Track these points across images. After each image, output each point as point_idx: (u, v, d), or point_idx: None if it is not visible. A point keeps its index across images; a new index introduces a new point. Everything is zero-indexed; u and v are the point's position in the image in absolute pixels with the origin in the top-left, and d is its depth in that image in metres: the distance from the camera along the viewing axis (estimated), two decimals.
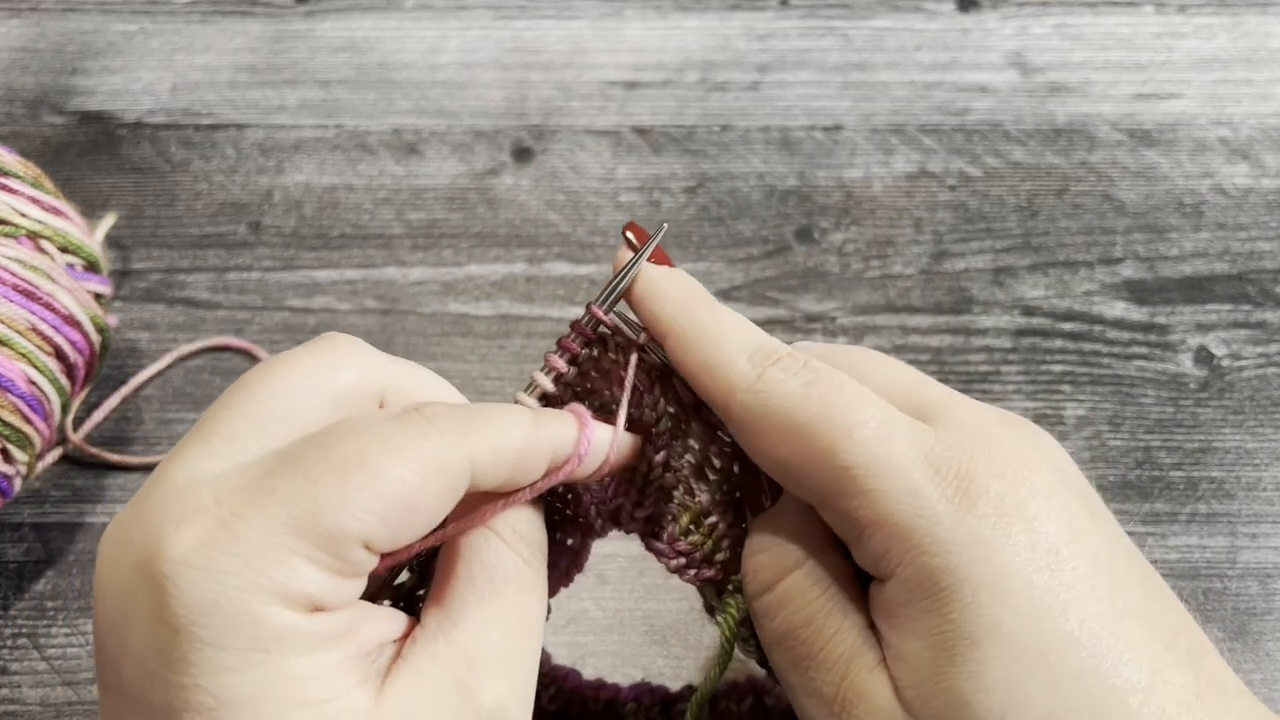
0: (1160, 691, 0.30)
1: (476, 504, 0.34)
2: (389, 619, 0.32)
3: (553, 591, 0.38)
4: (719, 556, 0.38)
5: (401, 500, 0.30)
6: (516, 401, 0.38)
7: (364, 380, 0.34)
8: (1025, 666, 0.29)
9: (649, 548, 0.39)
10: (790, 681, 0.35)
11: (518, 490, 0.34)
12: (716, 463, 0.38)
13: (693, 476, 0.38)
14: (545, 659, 0.40)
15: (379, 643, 0.31)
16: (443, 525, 0.34)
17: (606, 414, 0.38)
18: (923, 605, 0.31)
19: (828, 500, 0.33)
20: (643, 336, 0.38)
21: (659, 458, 0.38)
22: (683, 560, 0.38)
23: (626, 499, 0.39)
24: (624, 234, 0.39)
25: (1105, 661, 0.30)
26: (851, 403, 0.33)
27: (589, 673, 0.47)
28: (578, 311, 0.72)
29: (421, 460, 0.30)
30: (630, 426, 0.38)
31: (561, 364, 0.38)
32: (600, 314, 0.38)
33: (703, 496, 0.38)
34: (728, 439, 0.38)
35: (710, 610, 0.39)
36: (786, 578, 0.35)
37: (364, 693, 0.30)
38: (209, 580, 0.28)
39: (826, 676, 0.33)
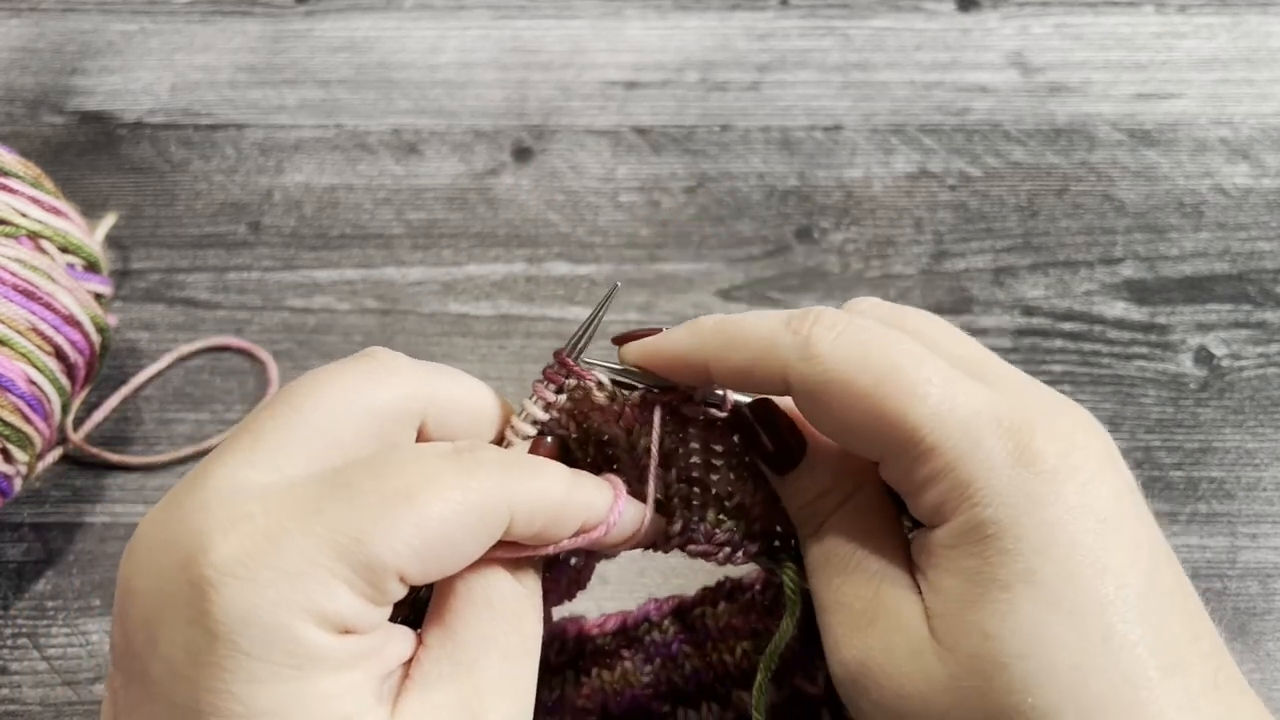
0: (1184, 672, 0.31)
1: (504, 549, 0.35)
2: (405, 640, 0.33)
3: (550, 607, 0.39)
4: (756, 526, 0.39)
5: (442, 539, 0.31)
6: (511, 427, 0.38)
7: (406, 398, 0.35)
8: (1056, 617, 0.30)
9: (692, 555, 0.39)
10: (821, 601, 0.36)
11: (543, 545, 0.35)
12: (718, 448, 0.39)
13: (705, 472, 0.38)
14: (548, 618, 0.41)
15: (398, 663, 0.32)
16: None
17: (605, 449, 0.39)
18: (965, 549, 0.32)
19: (891, 456, 0.34)
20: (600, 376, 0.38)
21: (671, 476, 0.38)
22: (729, 549, 0.38)
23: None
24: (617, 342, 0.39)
25: (1135, 630, 0.31)
26: (914, 362, 0.34)
27: None
28: (577, 311, 0.72)
29: (466, 503, 0.31)
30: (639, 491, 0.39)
31: (549, 394, 0.38)
32: (574, 368, 0.38)
33: (715, 483, 0.38)
34: (721, 415, 0.38)
35: (769, 572, 0.40)
36: (839, 509, 0.36)
37: (383, 711, 0.30)
38: (251, 591, 0.28)
39: (861, 590, 0.35)
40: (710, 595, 0.44)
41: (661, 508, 0.39)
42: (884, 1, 0.90)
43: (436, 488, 0.31)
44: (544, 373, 0.39)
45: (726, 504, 0.38)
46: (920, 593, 0.34)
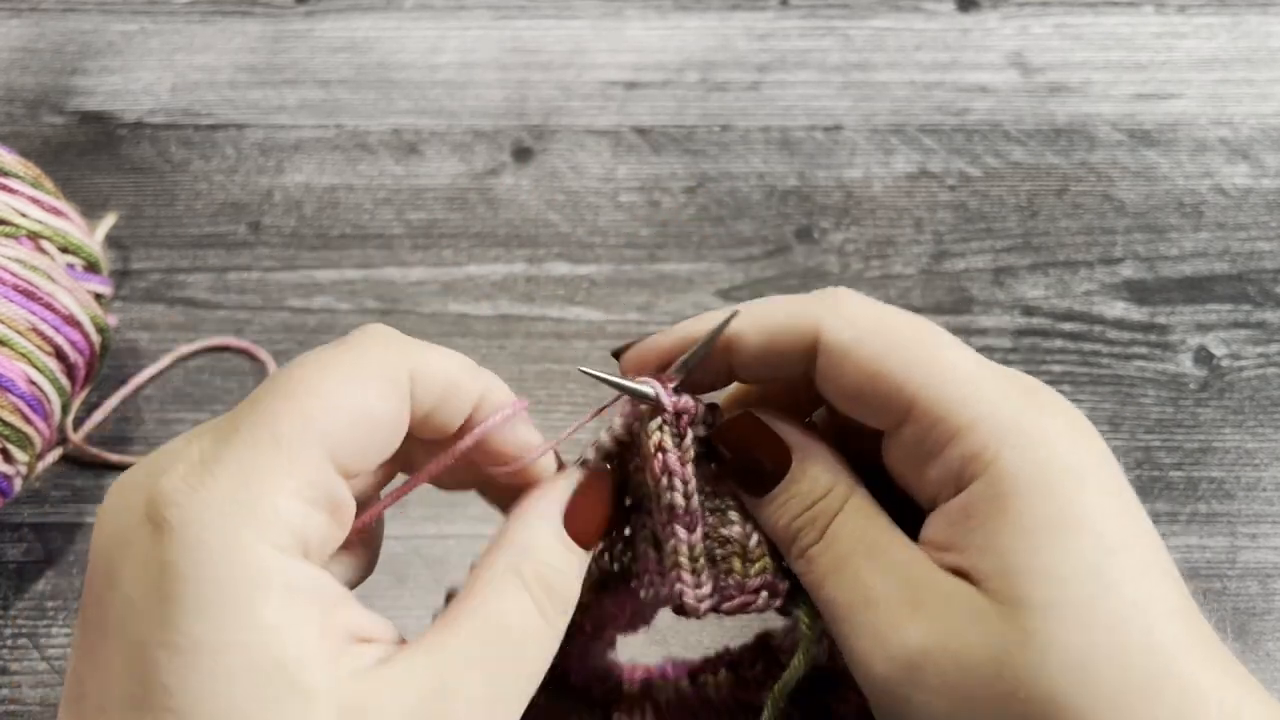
0: (1202, 628, 0.32)
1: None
2: (369, 616, 0.32)
3: (610, 640, 0.38)
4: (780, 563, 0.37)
5: (353, 407, 0.31)
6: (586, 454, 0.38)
7: (389, 363, 0.34)
8: (1115, 559, 0.31)
9: (729, 612, 0.37)
10: (847, 603, 0.34)
11: (455, 443, 0.35)
12: (732, 501, 0.38)
13: (720, 525, 0.37)
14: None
15: (359, 631, 0.31)
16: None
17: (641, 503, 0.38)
18: (1012, 499, 0.32)
19: (918, 411, 0.34)
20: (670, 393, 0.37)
21: (696, 536, 0.37)
22: (765, 593, 0.37)
23: (690, 590, 0.37)
24: (615, 356, 0.39)
25: (1172, 571, 0.32)
26: (933, 331, 0.35)
27: None
28: (578, 311, 0.72)
29: (362, 367, 0.32)
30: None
31: (621, 429, 0.38)
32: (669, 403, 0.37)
33: (734, 530, 0.37)
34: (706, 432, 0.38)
35: (783, 611, 0.39)
36: (834, 519, 0.36)
37: (331, 670, 0.29)
38: (196, 515, 0.29)
39: (892, 580, 0.34)
40: (712, 664, 0.44)
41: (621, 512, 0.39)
42: (884, 1, 0.90)
43: (332, 368, 0.32)
44: (636, 402, 0.37)
45: (747, 548, 0.37)
46: (954, 566, 0.33)
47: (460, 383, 0.35)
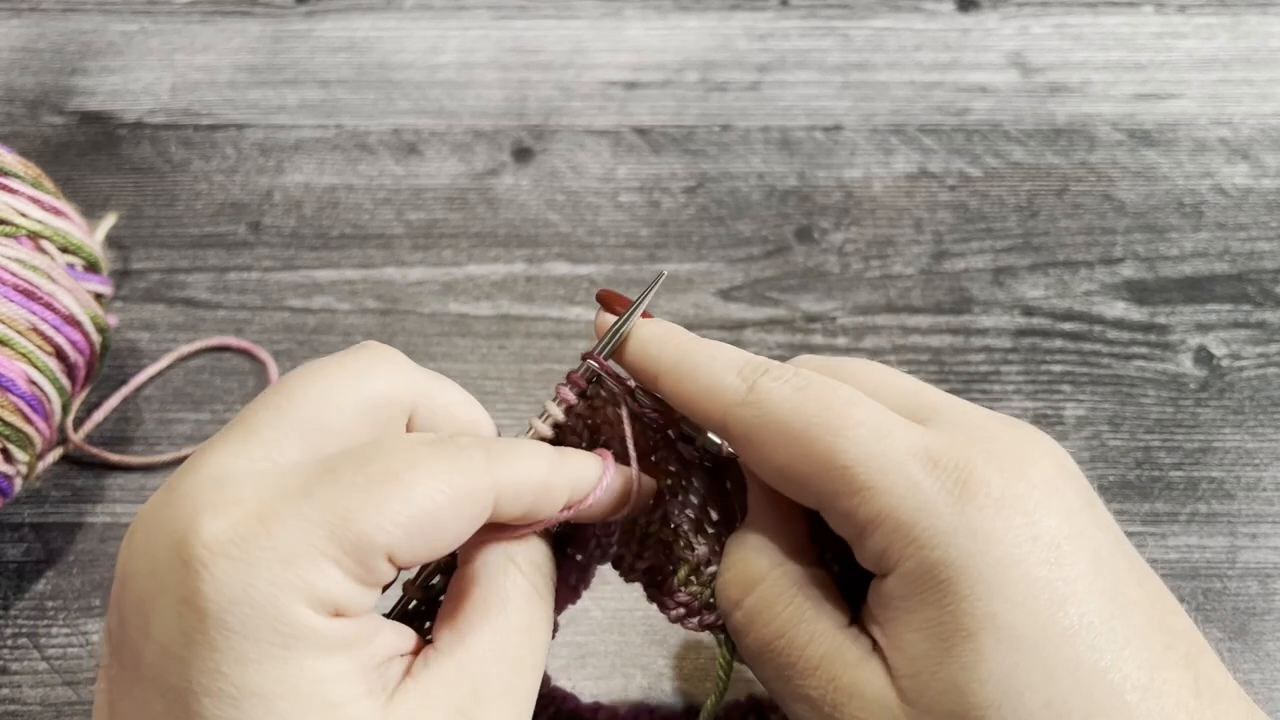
0: (1159, 689, 0.30)
1: (494, 531, 0.35)
2: (396, 633, 0.33)
3: (560, 608, 0.39)
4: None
5: (428, 517, 0.31)
6: (530, 427, 0.39)
7: (397, 390, 0.35)
8: (1021, 657, 0.30)
9: (650, 598, 0.40)
10: (778, 691, 0.36)
11: (534, 523, 0.35)
12: (714, 515, 0.39)
13: (692, 531, 0.38)
14: (545, 680, 0.41)
15: (388, 655, 0.32)
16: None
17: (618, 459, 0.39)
18: (921, 598, 0.31)
19: (828, 501, 0.34)
20: (632, 383, 0.39)
21: (658, 514, 0.39)
22: (683, 610, 0.38)
23: (627, 550, 0.40)
24: (598, 299, 0.40)
25: (1104, 656, 0.30)
26: (845, 404, 0.34)
27: (589, 672, 0.47)
28: (578, 311, 0.72)
29: (450, 482, 0.31)
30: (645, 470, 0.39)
31: (571, 396, 0.38)
32: (600, 362, 0.39)
33: (701, 549, 0.38)
34: (726, 488, 0.39)
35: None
36: (752, 593, 0.36)
37: (372, 703, 0.30)
38: (242, 571, 0.28)
39: (811, 681, 0.34)
40: (684, 715, 0.46)
41: (649, 471, 0.39)
42: (884, 1, 0.90)
43: (421, 469, 0.31)
44: (568, 376, 0.39)
45: (702, 570, 0.38)
46: (877, 649, 0.33)
47: (548, 484, 0.35)
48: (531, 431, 0.38)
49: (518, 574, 0.35)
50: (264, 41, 0.87)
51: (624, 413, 0.38)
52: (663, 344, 0.38)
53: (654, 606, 0.40)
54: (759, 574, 0.36)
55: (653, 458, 0.39)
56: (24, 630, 0.59)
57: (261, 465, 0.31)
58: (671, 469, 0.39)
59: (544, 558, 0.36)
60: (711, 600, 0.38)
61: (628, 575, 0.40)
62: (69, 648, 0.59)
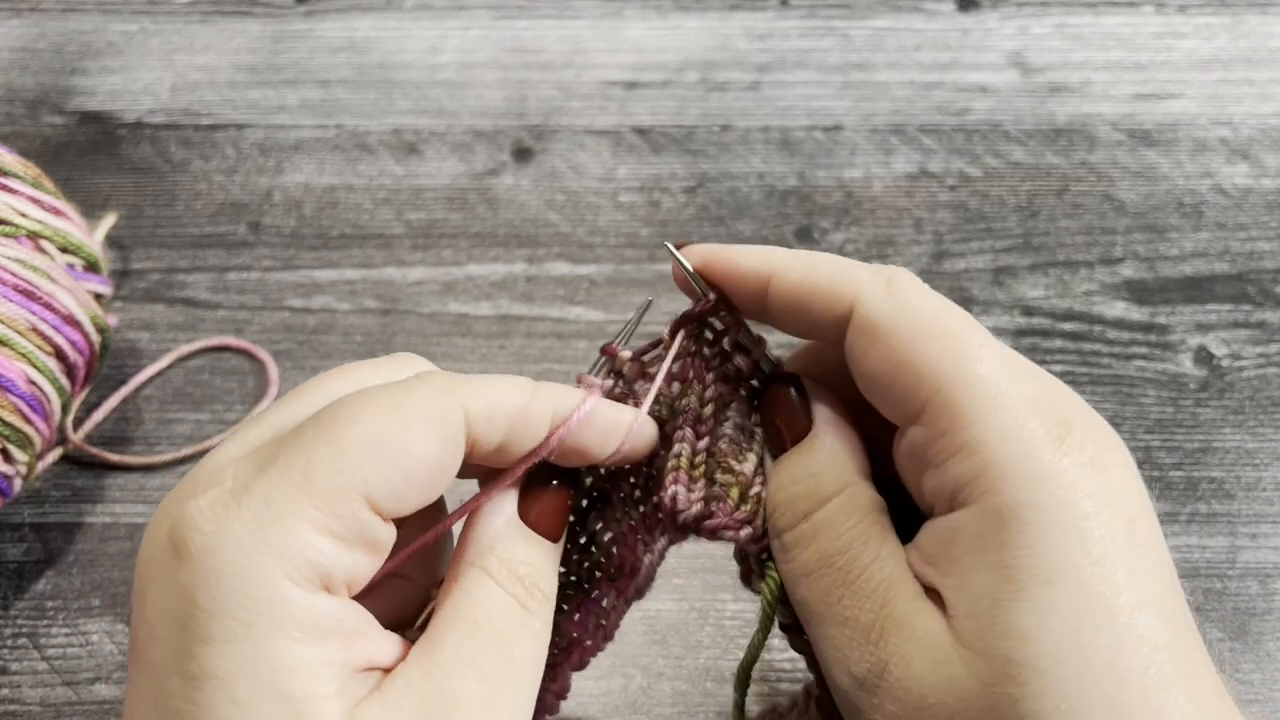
0: (1200, 679, 0.30)
1: (482, 497, 0.35)
2: (389, 642, 0.32)
3: (580, 663, 0.37)
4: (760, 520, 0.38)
5: (392, 447, 0.30)
6: (578, 380, 0.38)
7: (439, 405, 0.34)
8: (1094, 616, 0.29)
9: (709, 531, 0.38)
10: (818, 612, 0.34)
11: (521, 461, 0.34)
12: (756, 433, 0.38)
13: (731, 455, 0.38)
14: (547, 705, 0.39)
15: (371, 662, 0.31)
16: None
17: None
18: (999, 537, 0.31)
19: (930, 416, 0.33)
20: (711, 299, 0.38)
21: (703, 444, 0.38)
22: (749, 528, 0.37)
23: (683, 490, 0.38)
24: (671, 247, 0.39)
25: (1163, 634, 0.30)
26: (978, 329, 0.33)
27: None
28: (578, 311, 0.72)
29: (410, 409, 0.31)
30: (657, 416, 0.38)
31: (625, 353, 0.39)
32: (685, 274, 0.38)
33: (745, 467, 0.38)
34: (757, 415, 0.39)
35: (746, 579, 0.39)
36: (822, 507, 0.35)
37: (338, 705, 0.29)
38: (217, 545, 0.29)
39: (864, 603, 0.33)
40: None
41: (662, 429, 0.39)
42: (884, 1, 0.90)
43: (376, 405, 0.31)
44: (580, 377, 0.38)
45: (749, 491, 0.37)
46: (929, 595, 0.32)
47: (527, 409, 0.34)
48: (601, 369, 0.38)
49: (490, 581, 0.33)
50: (264, 41, 0.87)
51: (673, 347, 0.38)
52: (766, 249, 0.37)
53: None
54: (831, 489, 0.35)
55: (702, 383, 0.38)
56: (24, 630, 0.59)
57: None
58: (721, 389, 0.38)
59: (530, 569, 0.34)
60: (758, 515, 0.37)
61: (685, 519, 0.38)
62: (69, 648, 0.59)
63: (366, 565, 0.31)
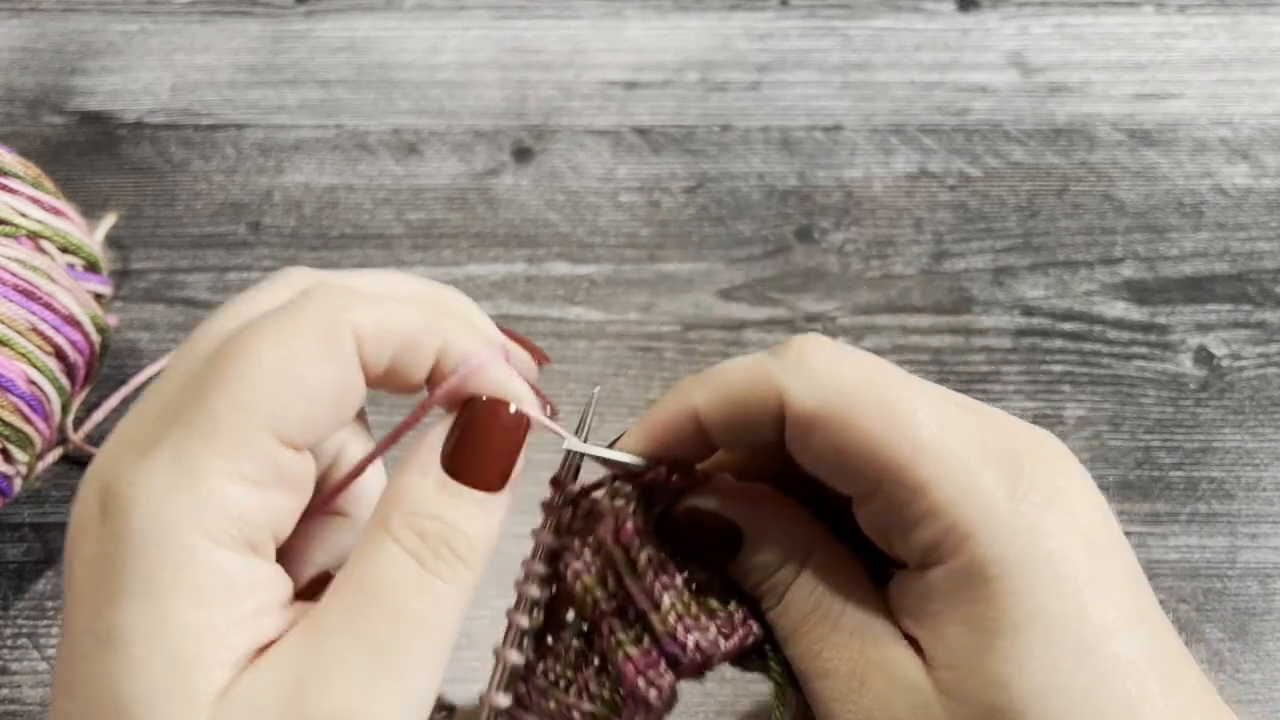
0: (1181, 682, 0.30)
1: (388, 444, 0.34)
2: (294, 613, 0.31)
3: None
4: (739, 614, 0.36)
5: (288, 376, 0.29)
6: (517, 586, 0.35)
7: (328, 324, 0.32)
8: (1066, 651, 0.30)
9: (731, 654, 0.35)
10: (802, 670, 0.34)
11: (420, 406, 0.33)
12: (688, 572, 0.36)
13: (707, 583, 0.36)
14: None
15: (279, 631, 0.30)
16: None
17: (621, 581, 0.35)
18: (970, 594, 0.31)
19: (885, 493, 0.32)
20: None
21: (680, 581, 0.35)
22: (753, 624, 0.35)
23: (699, 634, 0.35)
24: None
25: (1137, 647, 0.30)
26: (902, 380, 0.32)
27: None
28: (578, 311, 0.72)
29: (298, 333, 0.30)
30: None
31: (549, 538, 0.36)
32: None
33: (707, 578, 0.36)
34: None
35: (742, 663, 0.37)
36: (789, 588, 0.35)
37: (223, 676, 0.28)
38: (134, 502, 0.28)
39: (842, 653, 0.33)
40: None
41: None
42: (884, 1, 0.90)
43: (262, 331, 0.30)
44: (542, 505, 0.36)
45: (718, 589, 0.36)
46: (908, 641, 0.33)
47: (420, 339, 0.32)
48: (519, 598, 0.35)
49: (387, 539, 0.30)
50: (264, 41, 0.87)
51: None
52: (679, 387, 0.35)
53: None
54: (789, 573, 0.35)
55: (640, 554, 0.35)
56: (24, 630, 0.59)
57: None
58: (656, 548, 0.35)
59: (436, 526, 0.31)
60: (737, 615, 0.35)
61: (714, 661, 0.35)
62: None
63: (288, 505, 0.31)
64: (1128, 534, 0.34)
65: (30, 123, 0.82)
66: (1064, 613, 0.30)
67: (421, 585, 0.30)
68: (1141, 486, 0.64)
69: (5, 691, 0.57)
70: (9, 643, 0.59)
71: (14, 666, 0.58)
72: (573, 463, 0.36)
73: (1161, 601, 0.32)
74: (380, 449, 0.34)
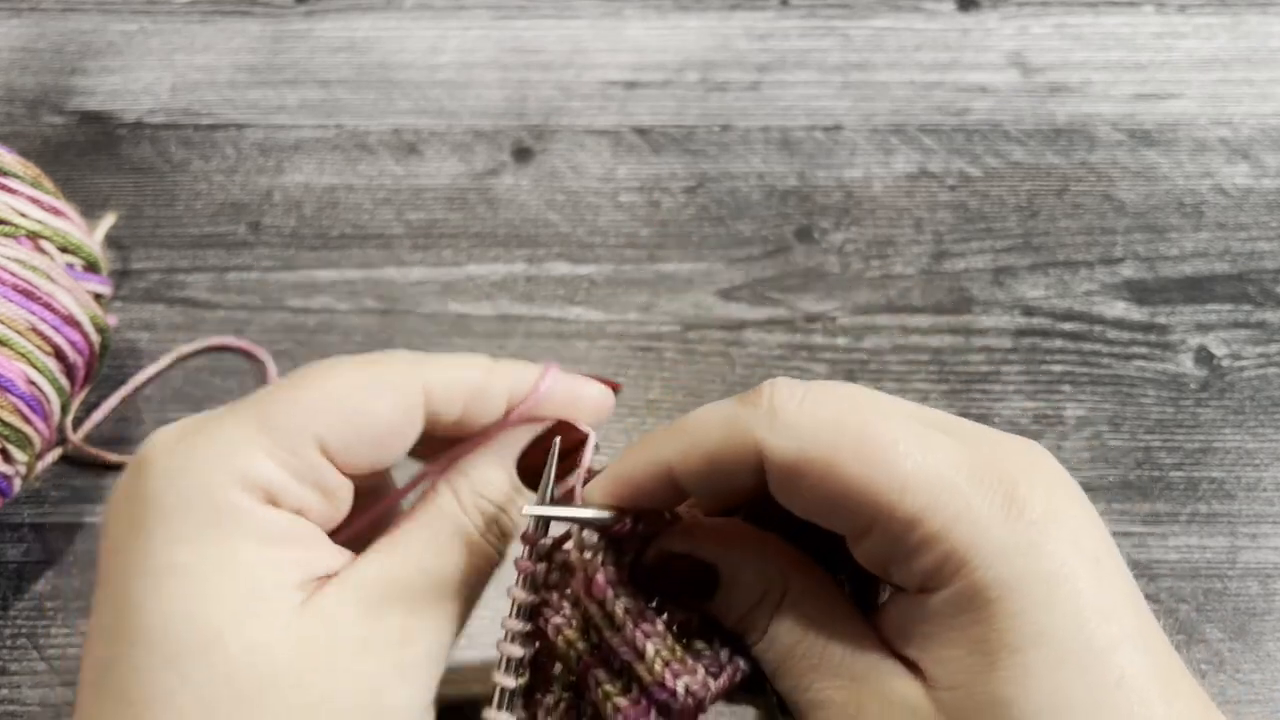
0: (1180, 693, 0.30)
1: (451, 445, 0.38)
2: (342, 555, 0.35)
3: None
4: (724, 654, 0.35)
5: (346, 402, 0.34)
6: (503, 627, 0.36)
7: (397, 374, 0.38)
8: (1069, 670, 0.30)
9: (723, 692, 0.34)
10: (796, 703, 0.34)
11: (481, 433, 0.38)
12: (666, 615, 0.35)
13: (673, 613, 0.35)
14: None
15: (328, 569, 0.34)
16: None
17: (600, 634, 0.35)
18: (970, 617, 0.31)
19: (880, 529, 0.32)
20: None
21: (660, 627, 0.34)
22: (740, 659, 0.35)
23: (689, 676, 0.34)
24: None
25: (1139, 661, 0.30)
26: (878, 409, 0.32)
27: None
28: (578, 311, 0.72)
29: (371, 374, 0.35)
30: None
31: (523, 594, 0.35)
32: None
33: (688, 617, 0.35)
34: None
35: (731, 697, 0.37)
36: (771, 620, 0.34)
37: (297, 595, 0.32)
38: (179, 460, 0.32)
39: (834, 682, 0.33)
40: None
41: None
42: (884, 1, 0.90)
43: (343, 371, 0.35)
44: (515, 563, 0.36)
45: (701, 627, 0.35)
46: (903, 664, 0.32)
47: (484, 385, 0.37)
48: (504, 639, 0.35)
49: (457, 507, 0.37)
50: (264, 41, 0.87)
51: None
52: (648, 439, 0.35)
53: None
54: (779, 592, 0.35)
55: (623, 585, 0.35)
56: (23, 630, 0.59)
57: None
58: (632, 596, 0.35)
59: (504, 517, 0.38)
60: (723, 653, 0.35)
61: (706, 703, 0.34)
62: (68, 648, 0.59)
63: (317, 504, 0.34)
64: (1128, 534, 0.34)
65: (30, 123, 0.82)
66: (1065, 632, 0.30)
67: (479, 549, 0.37)
68: (1141, 486, 0.64)
69: (5, 692, 0.57)
70: (8, 643, 0.59)
71: (13, 667, 0.58)
72: (540, 519, 0.36)
73: (1162, 602, 0.32)
74: (445, 463, 0.38)
